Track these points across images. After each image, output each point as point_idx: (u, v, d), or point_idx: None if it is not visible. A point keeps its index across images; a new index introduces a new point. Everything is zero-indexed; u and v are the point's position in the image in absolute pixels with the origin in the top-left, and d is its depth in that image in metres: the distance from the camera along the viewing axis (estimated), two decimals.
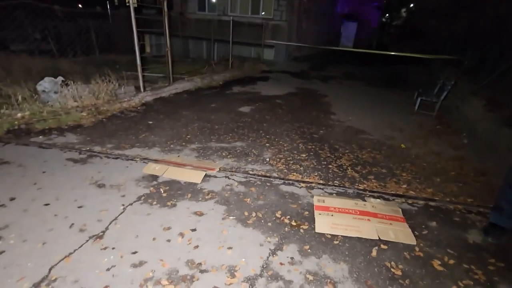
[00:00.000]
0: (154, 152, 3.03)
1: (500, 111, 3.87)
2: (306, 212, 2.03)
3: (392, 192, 2.40)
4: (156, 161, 2.75)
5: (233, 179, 2.50)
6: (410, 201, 2.23)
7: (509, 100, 4.09)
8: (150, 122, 4.04)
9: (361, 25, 18.80)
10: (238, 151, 3.28)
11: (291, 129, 4.20)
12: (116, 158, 2.78)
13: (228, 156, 3.09)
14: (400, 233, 1.78)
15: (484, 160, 3.17)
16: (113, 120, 3.99)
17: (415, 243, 1.71)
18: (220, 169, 2.66)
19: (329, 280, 1.45)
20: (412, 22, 20.40)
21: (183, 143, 3.38)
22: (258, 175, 2.61)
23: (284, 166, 2.92)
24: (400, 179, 2.73)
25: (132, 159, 2.78)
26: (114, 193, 2.16)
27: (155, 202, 2.08)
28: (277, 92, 6.52)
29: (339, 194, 2.29)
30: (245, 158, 3.08)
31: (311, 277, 1.45)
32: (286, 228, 1.86)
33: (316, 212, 1.98)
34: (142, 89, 5.10)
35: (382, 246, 1.70)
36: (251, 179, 2.52)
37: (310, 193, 2.30)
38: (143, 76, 5.07)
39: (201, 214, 1.98)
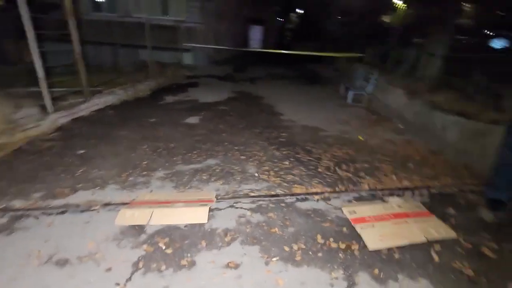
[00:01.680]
0: (112, 192, 2.28)
1: (419, 97, 4.60)
2: (344, 228, 1.84)
3: (393, 187, 2.47)
4: (126, 204, 2.05)
5: (240, 207, 2.08)
6: (414, 193, 2.33)
7: (421, 87, 4.92)
8: (81, 152, 3.09)
9: (267, 28, 19.90)
10: (218, 170, 2.82)
11: (254, 136, 3.94)
12: (62, 213, 1.94)
13: (212, 179, 2.61)
14: (439, 228, 1.80)
15: (426, 139, 3.69)
16: (21, 156, 2.87)
17: (455, 235, 1.75)
18: (216, 198, 2.18)
19: None
20: (310, 24, 22.91)
21: (144, 172, 2.69)
22: (263, 196, 2.26)
23: (279, 179, 2.65)
24: (386, 171, 2.86)
25: (88, 210, 1.99)
26: (91, 270, 1.45)
27: (163, 266, 1.49)
28: (215, 98, 6.11)
29: (358, 200, 2.19)
30: (232, 177, 2.66)
31: None
32: (340, 254, 1.62)
33: (356, 227, 1.81)
34: (49, 109, 3.90)
35: (436, 246, 1.67)
36: (259, 202, 2.16)
37: (331, 205, 2.12)
38: (50, 92, 3.87)
39: (236, 266, 1.52)
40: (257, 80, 8.90)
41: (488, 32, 10.58)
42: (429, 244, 1.69)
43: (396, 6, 10.10)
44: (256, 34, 20.25)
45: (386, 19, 10.59)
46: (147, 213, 1.89)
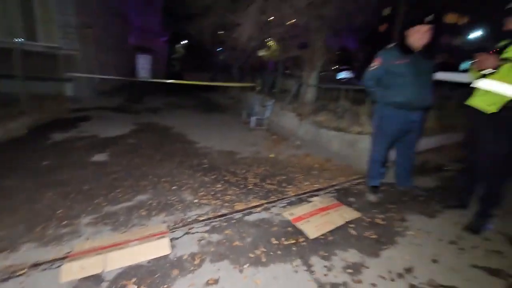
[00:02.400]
0: (33, 251, 1.94)
1: (306, 118, 5.79)
2: (289, 228, 2.24)
3: (310, 190, 3.10)
4: (64, 259, 1.80)
5: (196, 232, 2.17)
6: (325, 192, 3.02)
7: (306, 110, 6.19)
8: None
9: (156, 58, 19.61)
10: (154, 204, 2.78)
11: (177, 166, 3.99)
12: None
13: (153, 214, 2.56)
14: (349, 212, 2.47)
15: (320, 152, 4.71)
16: None
17: (360, 215, 2.45)
18: (168, 228, 2.19)
19: (356, 263, 1.82)
20: (198, 54, 23.97)
21: (65, 222, 2.38)
22: (213, 218, 2.42)
23: (218, 201, 2.86)
24: (300, 179, 3.52)
25: (12, 276, 1.64)
26: None
27: None
28: (117, 131, 5.71)
29: (290, 204, 2.67)
30: (173, 208, 2.68)
31: (349, 276, 1.76)
32: (293, 248, 1.99)
33: (297, 224, 2.25)
34: None
35: (350, 225, 2.30)
36: (212, 224, 2.31)
37: (272, 212, 2.51)
38: None
39: (215, 281, 1.65)
40: (158, 110, 8.72)
41: (337, 67, 14.08)
42: (346, 224, 2.30)
43: (269, 44, 11.82)
44: (144, 63, 19.59)
45: (261, 53, 12.10)
46: (98, 260, 1.74)
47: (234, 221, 2.36)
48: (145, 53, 19.25)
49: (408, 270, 1.79)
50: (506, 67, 1.92)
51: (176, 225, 2.28)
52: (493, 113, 2.04)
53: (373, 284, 1.67)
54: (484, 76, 2.09)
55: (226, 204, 2.76)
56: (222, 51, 9.31)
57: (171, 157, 4.34)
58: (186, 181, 3.43)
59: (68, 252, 1.89)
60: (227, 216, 2.43)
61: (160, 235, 2.03)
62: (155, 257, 1.84)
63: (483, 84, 2.12)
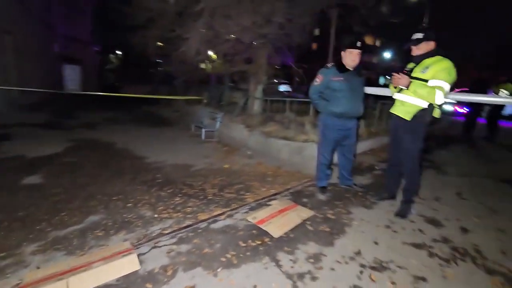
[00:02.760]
0: None
1: (255, 129, 6.10)
2: (254, 231, 2.40)
3: (267, 195, 3.32)
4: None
5: (164, 245, 2.16)
6: (281, 195, 3.28)
7: (254, 122, 6.52)
8: None
9: (86, 68, 18.04)
10: (110, 223, 2.65)
11: (129, 183, 3.83)
12: None
13: (111, 233, 2.45)
14: (304, 211, 2.75)
15: (271, 160, 5.02)
16: None
17: (313, 213, 2.75)
18: (133, 245, 2.13)
19: (316, 253, 2.07)
20: (136, 66, 22.80)
21: (3, 254, 2.12)
22: (178, 230, 2.43)
23: (180, 213, 2.86)
24: (257, 186, 3.73)
25: None
26: None
27: None
28: (49, 150, 5.17)
29: (251, 209, 2.83)
30: (132, 225, 2.60)
31: (311, 265, 2.00)
32: (260, 248, 2.15)
33: (261, 226, 2.42)
34: None
35: (306, 222, 2.57)
36: (178, 236, 2.32)
37: (236, 219, 2.63)
38: None
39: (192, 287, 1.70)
40: (96, 126, 8.07)
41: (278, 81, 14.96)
42: (303, 222, 2.57)
43: (212, 57, 11.79)
44: (72, 74, 17.82)
45: (203, 66, 12.04)
46: (61, 286, 1.62)
47: (200, 230, 2.41)
48: (74, 64, 17.53)
49: (357, 253, 2.12)
50: (414, 84, 2.47)
51: (141, 241, 2.23)
52: (408, 120, 2.58)
53: (332, 268, 1.94)
54: (400, 90, 2.64)
55: (189, 215, 2.79)
56: (164, 63, 9.11)
57: (120, 175, 4.12)
58: (141, 197, 3.32)
59: (18, 284, 1.70)
60: (192, 227, 2.47)
61: (126, 252, 1.97)
62: (124, 274, 1.79)
63: (399, 97, 2.67)
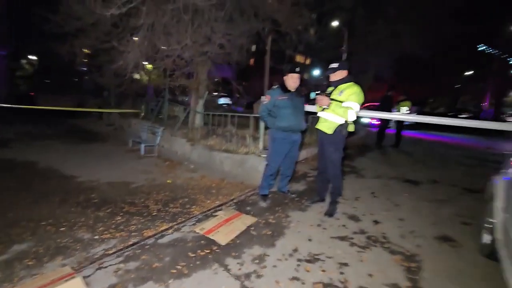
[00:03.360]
0: None
1: (198, 143, 6.18)
2: (202, 241, 2.53)
3: (212, 206, 3.47)
4: None
5: (110, 265, 2.12)
6: (226, 206, 3.46)
7: (196, 136, 6.58)
8: None
9: None
10: (41, 251, 2.49)
11: (58, 206, 3.58)
12: None
13: (45, 260, 2.29)
14: (248, 219, 3.00)
15: (215, 173, 5.17)
16: None
17: (256, 220, 3.02)
18: (74, 269, 2.04)
19: (260, 255, 2.32)
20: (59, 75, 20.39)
21: None
22: (124, 248, 2.40)
23: (123, 232, 2.81)
24: (202, 199, 3.84)
25: None
26: None
27: None
28: None
29: (198, 221, 2.94)
30: (70, 250, 2.47)
31: (257, 265, 2.23)
32: (210, 256, 2.30)
33: (209, 236, 2.57)
34: None
35: (250, 228, 2.81)
36: (125, 254, 2.30)
37: (184, 231, 2.71)
38: None
39: None
40: (9, 143, 7.03)
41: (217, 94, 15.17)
42: (248, 228, 2.81)
43: (148, 68, 11.20)
44: None
45: (137, 77, 11.42)
46: None
47: (148, 246, 2.43)
48: None
49: (295, 250, 2.45)
50: (333, 104, 3.00)
51: (83, 265, 2.14)
52: (330, 134, 3.09)
53: (274, 266, 2.21)
54: (323, 109, 3.16)
55: (134, 233, 2.76)
56: (95, 74, 8.48)
57: (47, 197, 3.78)
58: (76, 219, 3.13)
59: None
60: (139, 244, 2.46)
61: (68, 277, 1.89)
62: None
63: (323, 114, 3.19)
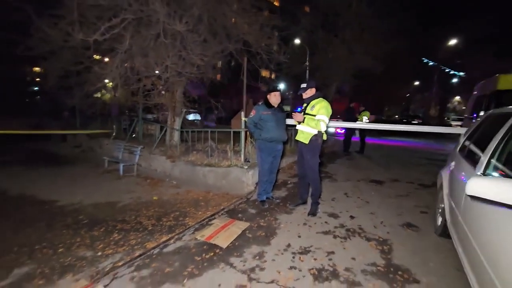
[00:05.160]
0: None
1: (178, 159, 6.32)
2: (205, 246, 2.77)
3: (205, 217, 3.69)
4: None
5: (123, 275, 2.28)
6: (219, 215, 3.72)
7: (175, 153, 6.72)
8: None
9: None
10: (47, 271, 2.57)
11: (48, 230, 3.56)
12: None
13: (55, 278, 2.39)
14: (241, 224, 3.30)
15: (199, 186, 5.36)
16: None
17: (249, 224, 3.33)
18: (92, 281, 2.17)
19: (259, 252, 2.62)
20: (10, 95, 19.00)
21: None
22: (132, 260, 2.55)
23: (125, 247, 2.94)
24: (193, 211, 4.04)
25: None
26: None
27: None
28: None
29: (197, 230, 3.16)
30: (77, 267, 2.56)
31: (258, 261, 2.54)
32: (215, 258, 2.55)
33: (211, 241, 2.82)
34: None
35: (246, 232, 3.11)
36: (135, 264, 2.46)
37: (185, 240, 2.92)
38: None
39: None
40: None
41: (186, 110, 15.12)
42: (243, 232, 3.10)
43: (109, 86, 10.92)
44: None
45: (98, 95, 11.00)
46: None
47: (155, 255, 2.61)
48: None
49: (288, 245, 2.79)
50: (307, 118, 3.49)
51: (97, 277, 2.27)
52: (307, 143, 3.56)
53: (273, 259, 2.53)
54: (299, 123, 3.63)
55: (136, 246, 2.90)
56: (49, 93, 8.17)
57: (30, 223, 3.74)
58: (72, 240, 3.19)
59: None
60: (146, 254, 2.63)
61: (89, 286, 2.03)
62: None
63: (299, 127, 3.66)
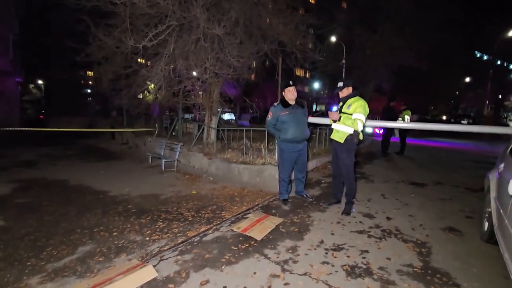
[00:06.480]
0: None
1: (215, 157, 6.63)
2: (241, 237, 2.94)
3: (241, 211, 3.87)
4: None
5: (169, 257, 2.54)
6: (253, 210, 3.87)
7: (212, 150, 7.05)
8: None
9: (8, 101, 16.24)
10: (105, 250, 2.89)
11: (102, 216, 3.95)
12: None
13: (112, 257, 2.71)
14: (275, 219, 3.41)
15: (234, 183, 5.58)
16: None
17: (282, 220, 3.43)
18: (143, 261, 2.46)
19: (292, 246, 2.72)
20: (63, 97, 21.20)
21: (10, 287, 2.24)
22: (176, 245, 2.81)
23: (169, 234, 3.22)
24: (229, 206, 4.24)
25: None
26: None
27: None
28: None
29: (233, 222, 3.35)
30: (129, 249, 2.87)
31: (291, 254, 2.64)
32: (250, 248, 2.71)
33: (246, 233, 2.99)
34: None
35: (279, 227, 3.23)
36: (179, 249, 2.71)
37: (222, 231, 3.12)
38: None
39: (207, 281, 2.15)
40: (34, 164, 7.51)
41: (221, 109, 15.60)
42: (277, 227, 3.22)
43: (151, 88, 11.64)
44: None
45: (141, 96, 11.81)
46: None
47: (196, 243, 2.84)
48: None
49: (321, 242, 2.85)
50: (343, 117, 3.49)
51: (146, 258, 2.55)
52: (342, 143, 3.55)
53: (306, 254, 2.61)
54: (335, 122, 3.64)
55: (179, 234, 3.17)
56: (115, 97, 8.98)
57: (89, 209, 4.19)
58: (124, 226, 3.54)
59: None
60: (187, 241, 2.88)
61: (141, 265, 2.30)
62: (145, 281, 2.13)
63: (335, 126, 3.66)
